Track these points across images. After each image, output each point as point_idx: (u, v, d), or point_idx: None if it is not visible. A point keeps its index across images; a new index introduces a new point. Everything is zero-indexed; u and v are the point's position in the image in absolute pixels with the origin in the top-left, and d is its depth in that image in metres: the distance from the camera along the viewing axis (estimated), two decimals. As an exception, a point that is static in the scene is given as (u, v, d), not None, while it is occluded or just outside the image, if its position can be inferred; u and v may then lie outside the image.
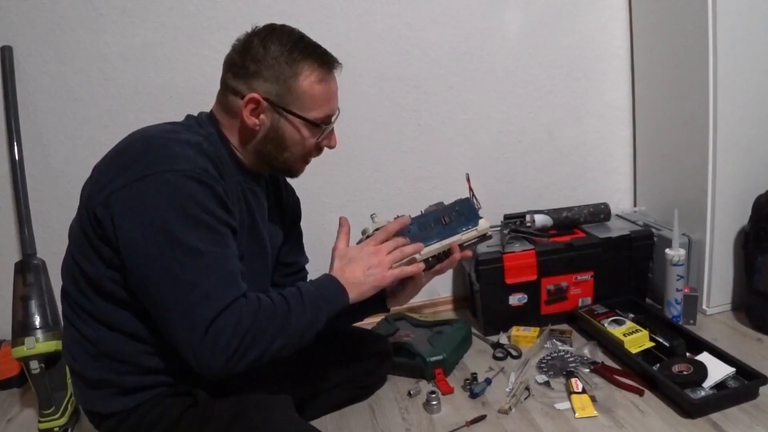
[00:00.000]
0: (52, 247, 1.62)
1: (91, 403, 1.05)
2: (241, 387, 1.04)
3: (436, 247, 1.16)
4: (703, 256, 1.76)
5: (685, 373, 1.38)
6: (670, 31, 1.77)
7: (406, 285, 1.21)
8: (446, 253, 1.17)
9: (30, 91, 1.63)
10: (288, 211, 1.30)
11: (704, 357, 1.44)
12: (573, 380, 1.42)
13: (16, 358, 1.46)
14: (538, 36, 1.90)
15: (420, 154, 1.90)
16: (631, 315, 1.71)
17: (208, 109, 1.10)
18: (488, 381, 1.50)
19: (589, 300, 1.80)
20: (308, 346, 1.33)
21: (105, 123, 1.67)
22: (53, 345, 1.46)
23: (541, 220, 1.83)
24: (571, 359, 1.54)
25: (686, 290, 1.71)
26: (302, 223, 1.38)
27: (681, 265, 1.66)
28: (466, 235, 1.17)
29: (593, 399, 1.38)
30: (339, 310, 1.03)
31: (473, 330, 1.76)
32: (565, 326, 1.78)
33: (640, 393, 1.39)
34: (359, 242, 1.15)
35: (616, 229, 1.84)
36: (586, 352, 1.59)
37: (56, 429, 1.42)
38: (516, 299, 1.76)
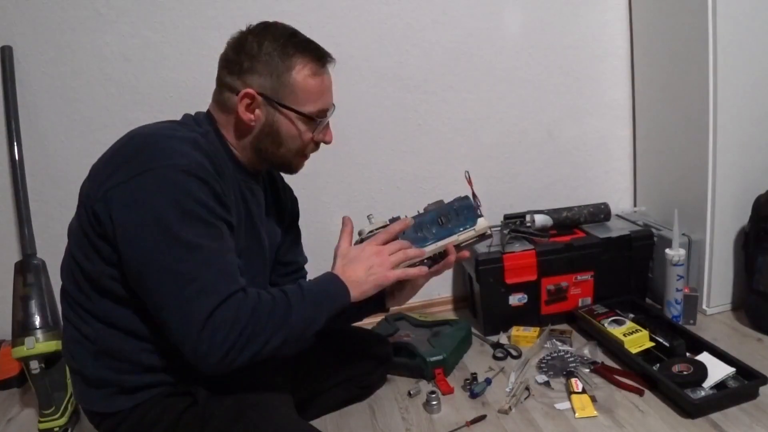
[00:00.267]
0: (52, 247, 1.61)
1: (91, 402, 1.05)
2: (241, 387, 1.04)
3: (431, 248, 1.15)
4: (703, 256, 1.76)
5: (685, 373, 1.38)
6: (670, 31, 1.77)
7: (404, 286, 1.21)
8: (442, 254, 1.16)
9: (30, 91, 1.63)
10: (286, 210, 1.30)
11: (704, 357, 1.44)
12: (573, 380, 1.42)
13: (16, 358, 1.46)
14: (538, 36, 1.90)
15: (420, 154, 1.90)
16: (631, 315, 1.71)
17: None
18: (488, 381, 1.50)
19: (589, 300, 1.80)
20: (308, 346, 1.34)
21: (105, 123, 1.67)
22: (53, 345, 1.46)
23: (541, 220, 1.83)
24: (571, 359, 1.54)
25: (686, 290, 1.71)
26: (302, 223, 1.38)
27: (681, 265, 1.66)
28: (464, 236, 1.16)
29: (593, 399, 1.38)
30: (340, 309, 1.03)
31: (473, 330, 1.76)
32: (565, 326, 1.78)
33: (640, 393, 1.39)
34: (356, 243, 1.15)
35: (616, 229, 1.84)
36: (586, 352, 1.59)
37: (56, 429, 1.42)
38: (516, 299, 1.76)
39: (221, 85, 1.05)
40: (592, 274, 1.78)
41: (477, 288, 1.78)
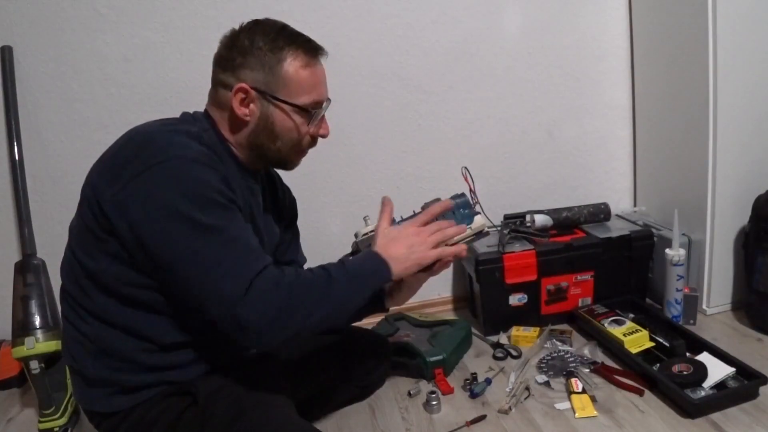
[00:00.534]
0: (52, 247, 1.61)
1: (91, 402, 1.05)
2: (241, 387, 1.04)
3: None
4: (703, 256, 1.76)
5: (685, 373, 1.38)
6: (670, 31, 1.77)
7: (402, 286, 1.22)
8: None
9: (30, 91, 1.63)
10: (284, 210, 1.30)
11: (704, 357, 1.44)
12: (573, 380, 1.42)
13: (16, 358, 1.46)
14: (538, 36, 1.90)
15: (420, 154, 1.90)
16: (631, 315, 1.72)
17: None
18: (488, 381, 1.50)
19: (589, 300, 1.80)
20: (308, 346, 1.34)
21: (105, 123, 1.67)
22: (53, 345, 1.46)
23: (541, 220, 1.83)
24: (571, 359, 1.54)
25: (686, 290, 1.71)
26: (301, 223, 1.38)
27: (681, 265, 1.66)
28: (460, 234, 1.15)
29: (593, 399, 1.38)
30: (381, 285, 1.05)
31: (473, 330, 1.76)
32: (565, 326, 1.78)
33: (640, 393, 1.39)
34: (353, 244, 1.15)
35: (616, 229, 1.84)
36: (586, 352, 1.59)
37: (56, 429, 1.42)
38: (516, 299, 1.76)
39: (216, 83, 1.06)
40: (592, 274, 1.78)
41: (477, 288, 1.78)
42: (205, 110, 1.10)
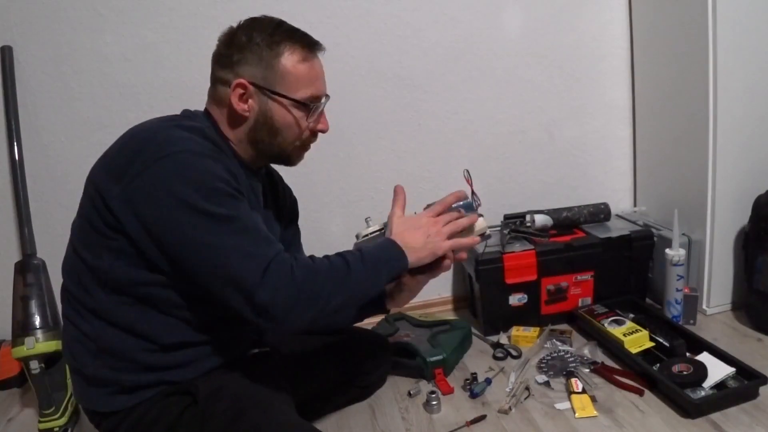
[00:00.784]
0: (52, 247, 1.61)
1: (91, 401, 1.05)
2: (242, 386, 1.04)
3: None
4: (703, 256, 1.76)
5: (685, 373, 1.38)
6: (670, 31, 1.77)
7: (402, 288, 1.22)
8: (439, 257, 1.14)
9: (30, 91, 1.63)
10: (285, 209, 1.30)
11: (704, 357, 1.44)
12: (573, 380, 1.42)
13: (16, 358, 1.46)
14: (538, 36, 1.90)
15: (420, 154, 1.90)
16: (631, 315, 1.72)
17: None
18: (488, 381, 1.50)
19: (589, 300, 1.80)
20: (309, 347, 1.34)
21: (105, 123, 1.67)
22: (53, 345, 1.46)
23: (541, 220, 1.83)
24: (571, 359, 1.54)
25: (686, 290, 1.71)
26: (301, 223, 1.38)
27: (681, 265, 1.66)
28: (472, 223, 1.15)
29: (593, 399, 1.38)
30: (398, 273, 1.05)
31: (473, 330, 1.76)
32: (565, 326, 1.78)
33: (640, 393, 1.39)
34: (355, 245, 1.14)
35: (616, 229, 1.84)
36: (586, 352, 1.59)
37: (56, 429, 1.42)
38: (516, 299, 1.76)
39: (215, 80, 1.07)
40: (592, 274, 1.78)
41: (477, 288, 1.78)
42: (205, 109, 1.10)
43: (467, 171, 1.21)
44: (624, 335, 1.55)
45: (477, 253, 1.72)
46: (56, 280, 1.24)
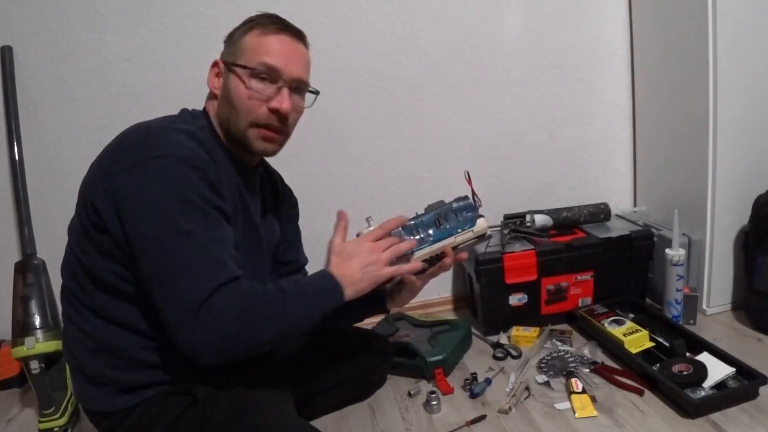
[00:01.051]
0: (52, 247, 1.61)
1: (91, 401, 1.05)
2: (241, 386, 1.04)
3: (427, 251, 1.13)
4: (703, 256, 1.76)
5: (685, 373, 1.38)
6: (670, 31, 1.77)
7: (402, 288, 1.21)
8: (440, 257, 1.15)
9: (30, 91, 1.63)
10: (284, 208, 1.30)
11: (704, 357, 1.44)
12: (573, 380, 1.42)
13: (16, 358, 1.46)
14: (539, 36, 1.90)
15: (420, 154, 1.90)
16: (631, 315, 1.72)
17: None
18: (488, 381, 1.50)
19: (589, 300, 1.80)
20: (308, 346, 1.34)
21: (105, 123, 1.67)
22: (53, 345, 1.46)
23: (541, 220, 1.83)
24: (571, 359, 1.54)
25: (686, 290, 1.71)
26: (302, 223, 1.38)
27: (681, 265, 1.66)
28: (461, 237, 1.15)
29: (593, 399, 1.38)
30: (335, 306, 1.02)
31: (473, 330, 1.76)
32: (565, 326, 1.78)
33: (640, 393, 1.39)
34: None
35: (616, 229, 1.84)
36: (586, 352, 1.59)
37: (56, 429, 1.42)
38: (516, 299, 1.76)
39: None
40: (592, 274, 1.78)
41: (477, 288, 1.78)
42: (204, 108, 1.11)
43: (467, 172, 1.21)
44: (624, 335, 1.55)
45: (477, 253, 1.72)
46: (56, 280, 1.24)
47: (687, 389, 1.34)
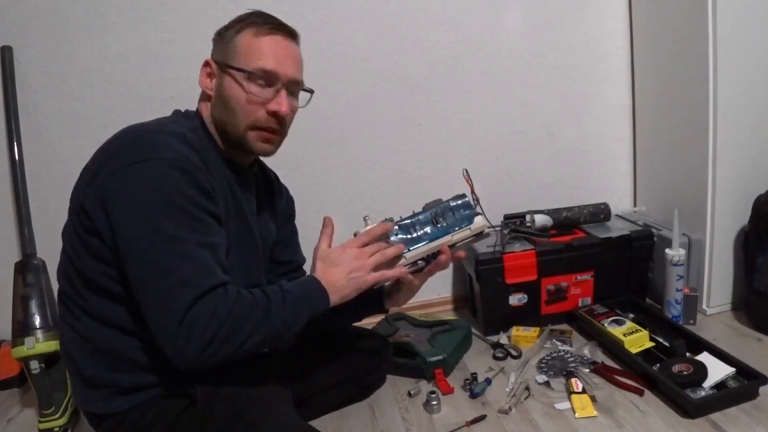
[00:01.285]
0: (52, 247, 1.59)
1: (90, 403, 1.05)
2: (241, 387, 1.04)
3: (423, 249, 1.13)
4: (703, 256, 1.76)
5: (685, 373, 1.38)
6: (670, 31, 1.77)
7: (401, 287, 1.21)
8: (436, 255, 1.15)
9: (30, 91, 1.63)
10: (280, 208, 1.30)
11: (704, 357, 1.44)
12: (573, 380, 1.42)
13: (16, 358, 1.46)
14: (538, 36, 1.90)
15: (420, 154, 1.90)
16: (631, 315, 1.71)
17: None
18: (488, 381, 1.50)
19: (589, 300, 1.80)
20: (308, 347, 1.34)
21: (105, 123, 1.67)
22: (53, 345, 1.46)
23: (541, 220, 1.83)
24: (571, 359, 1.54)
25: (686, 290, 1.71)
26: (301, 223, 1.38)
27: (681, 265, 1.66)
28: (458, 235, 1.14)
29: (593, 399, 1.38)
30: (319, 313, 1.02)
31: (473, 330, 1.76)
32: (565, 326, 1.78)
33: (640, 393, 1.39)
34: None
35: (616, 229, 1.84)
36: (586, 352, 1.59)
37: (56, 429, 1.42)
38: (516, 299, 1.76)
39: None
40: (592, 274, 1.78)
41: (477, 288, 1.78)
42: (197, 108, 1.11)
43: (466, 171, 1.21)
44: (624, 335, 1.55)
45: (477, 253, 1.72)
46: (56, 280, 1.24)
47: (687, 389, 1.34)
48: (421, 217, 1.15)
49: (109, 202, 0.92)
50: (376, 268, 1.06)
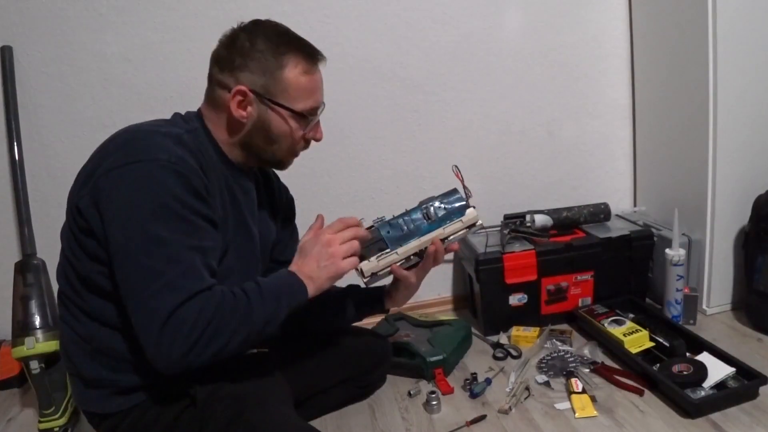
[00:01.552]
0: (52, 247, 1.59)
1: (89, 403, 1.05)
2: (240, 387, 1.03)
3: (415, 244, 1.13)
4: (703, 256, 1.76)
5: (685, 373, 1.38)
6: (670, 31, 1.77)
7: (399, 286, 1.21)
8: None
9: (30, 91, 1.63)
10: (280, 208, 1.30)
11: (704, 357, 1.44)
12: (573, 380, 1.42)
13: (16, 358, 1.46)
14: (539, 36, 1.90)
15: (420, 154, 1.90)
16: (631, 315, 1.71)
17: None
18: (488, 381, 1.50)
19: (589, 300, 1.80)
20: (308, 347, 1.34)
21: (105, 123, 1.67)
22: (53, 345, 1.46)
23: (541, 220, 1.83)
24: (571, 359, 1.54)
25: (686, 290, 1.71)
26: (302, 223, 1.37)
27: (681, 265, 1.66)
28: (450, 228, 1.14)
29: (593, 399, 1.38)
30: (299, 305, 1.01)
31: (473, 330, 1.76)
32: (565, 326, 1.78)
33: (640, 393, 1.39)
34: None
35: (616, 229, 1.84)
36: (586, 352, 1.59)
37: (56, 429, 1.42)
38: (516, 299, 1.76)
39: (213, 82, 1.06)
40: (592, 274, 1.78)
41: (477, 288, 1.78)
42: (199, 110, 1.10)
43: (455, 166, 1.20)
44: (624, 335, 1.55)
45: (477, 252, 1.72)
46: (56, 281, 1.24)
47: (687, 389, 1.34)
48: (412, 213, 1.15)
49: (102, 203, 0.92)
50: (354, 252, 1.06)
